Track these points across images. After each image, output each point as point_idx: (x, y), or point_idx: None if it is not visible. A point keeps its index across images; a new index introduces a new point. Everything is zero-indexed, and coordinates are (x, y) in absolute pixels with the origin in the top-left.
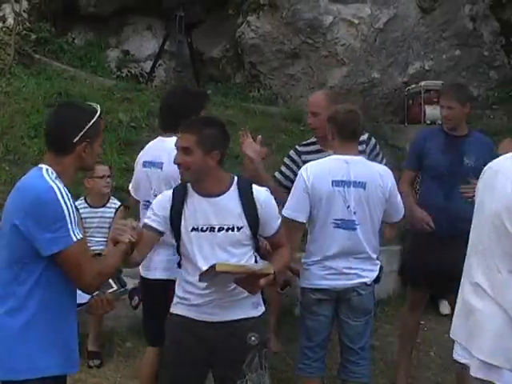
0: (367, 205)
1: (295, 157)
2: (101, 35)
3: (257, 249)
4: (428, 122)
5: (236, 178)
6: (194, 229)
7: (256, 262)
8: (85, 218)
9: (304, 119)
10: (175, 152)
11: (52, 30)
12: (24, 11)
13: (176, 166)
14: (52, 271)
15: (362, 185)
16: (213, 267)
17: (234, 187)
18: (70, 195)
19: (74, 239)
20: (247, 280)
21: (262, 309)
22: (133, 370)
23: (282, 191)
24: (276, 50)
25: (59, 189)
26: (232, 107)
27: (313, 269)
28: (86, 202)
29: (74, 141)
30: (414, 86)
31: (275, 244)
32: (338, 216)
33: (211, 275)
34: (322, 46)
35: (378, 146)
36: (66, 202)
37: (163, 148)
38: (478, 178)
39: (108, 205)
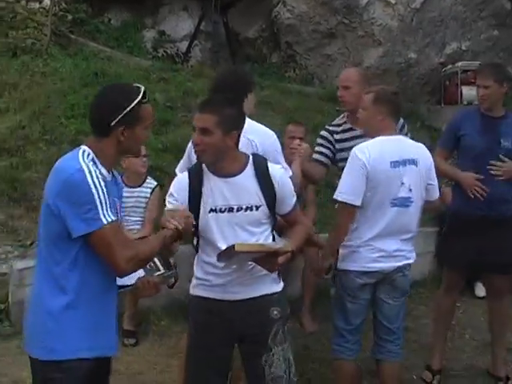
0: (420, 182)
1: (328, 136)
2: (137, 15)
3: (273, 226)
4: (465, 102)
5: (251, 156)
6: (212, 210)
7: (274, 240)
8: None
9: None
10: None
11: (88, 10)
12: None
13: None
14: (88, 253)
15: (414, 162)
16: (232, 247)
17: (250, 166)
18: (102, 177)
19: (105, 222)
20: (266, 258)
21: (282, 284)
22: (168, 349)
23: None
24: (312, 29)
25: (90, 171)
26: (268, 87)
27: (362, 251)
28: (123, 181)
29: (111, 124)
30: (450, 66)
31: (291, 221)
32: (396, 195)
33: (230, 255)
34: (358, 25)
35: (406, 126)
36: (95, 185)
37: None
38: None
39: (144, 185)
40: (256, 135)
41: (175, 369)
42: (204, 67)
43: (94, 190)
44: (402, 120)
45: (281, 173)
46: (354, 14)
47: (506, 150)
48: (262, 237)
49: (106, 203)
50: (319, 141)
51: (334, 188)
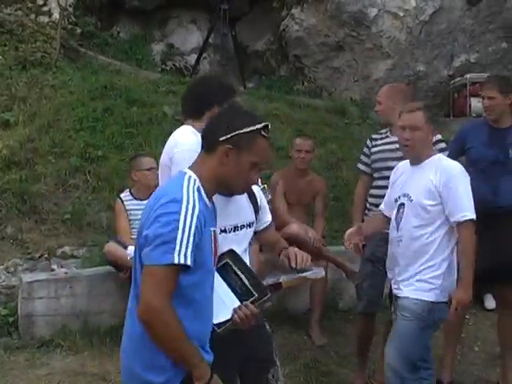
0: None
1: (368, 142)
2: (145, 29)
3: None
4: (474, 115)
5: None
6: (222, 231)
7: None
8: (130, 209)
9: (348, 112)
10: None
11: (97, 23)
12: (69, 5)
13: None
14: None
15: None
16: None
17: None
18: (199, 212)
19: (175, 261)
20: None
21: None
22: None
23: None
24: (320, 42)
25: (187, 206)
26: (276, 100)
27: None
28: (131, 194)
29: (220, 139)
30: (459, 78)
31: (270, 237)
32: None
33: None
34: (366, 38)
35: None
36: (185, 220)
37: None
38: None
39: None
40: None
41: None
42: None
43: (181, 225)
44: None
45: (256, 186)
46: (362, 27)
47: None
48: (247, 252)
49: (188, 242)
50: (364, 150)
51: (340, 200)
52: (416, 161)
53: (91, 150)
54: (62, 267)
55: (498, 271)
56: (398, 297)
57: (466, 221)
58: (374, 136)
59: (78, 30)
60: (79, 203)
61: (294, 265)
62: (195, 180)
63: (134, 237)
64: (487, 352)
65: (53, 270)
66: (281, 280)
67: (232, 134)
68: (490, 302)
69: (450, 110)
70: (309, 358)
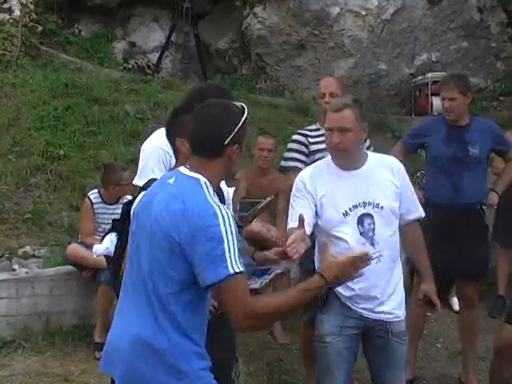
0: None
1: (303, 139)
2: (107, 27)
3: None
4: (435, 113)
5: None
6: None
7: None
8: (97, 213)
9: (311, 110)
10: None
11: (58, 21)
12: (30, 3)
13: None
14: None
15: None
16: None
17: None
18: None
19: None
20: None
21: None
22: None
23: None
24: (283, 41)
25: (221, 211)
26: (238, 99)
27: None
28: (101, 196)
29: (225, 143)
30: (420, 77)
31: None
32: None
33: None
34: (328, 37)
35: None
36: (226, 229)
37: None
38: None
39: (121, 201)
40: None
41: None
42: (174, 78)
43: (223, 234)
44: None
45: (224, 185)
46: (324, 26)
47: (475, 157)
48: None
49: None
50: (295, 146)
51: None
52: (351, 165)
53: (52, 149)
54: (23, 267)
55: (458, 268)
56: (392, 322)
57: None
58: (307, 133)
59: (40, 28)
60: (40, 202)
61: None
62: (210, 185)
63: (97, 237)
64: (449, 349)
65: (14, 269)
66: (257, 286)
67: (233, 134)
68: (457, 305)
69: (412, 108)
70: (272, 357)
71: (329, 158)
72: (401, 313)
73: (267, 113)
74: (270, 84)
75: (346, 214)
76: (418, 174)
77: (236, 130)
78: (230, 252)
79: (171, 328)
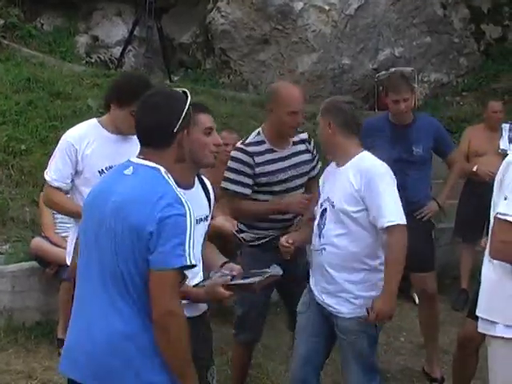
0: None
1: (246, 158)
2: (70, 21)
3: None
4: None
5: None
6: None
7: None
8: None
9: None
10: None
11: (20, 15)
12: None
13: None
14: None
15: None
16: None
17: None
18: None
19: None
20: None
21: None
22: None
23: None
24: (246, 36)
25: (186, 202)
26: (202, 93)
27: None
28: None
29: (175, 130)
30: (384, 72)
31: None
32: None
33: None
34: (292, 32)
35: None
36: (191, 221)
37: None
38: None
39: None
40: None
41: None
42: (137, 73)
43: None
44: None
45: (207, 181)
46: (288, 20)
47: (420, 156)
48: (200, 245)
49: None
50: (236, 166)
51: None
52: (339, 163)
53: (14, 144)
54: None
55: (412, 263)
56: (337, 316)
57: (392, 226)
58: (249, 150)
59: (1, 22)
60: (2, 198)
61: None
62: (169, 175)
63: (58, 231)
64: (413, 342)
65: None
66: (253, 281)
67: (181, 120)
68: None
69: (375, 103)
70: None
71: None
72: (346, 312)
73: (231, 107)
74: (233, 79)
75: (320, 205)
76: None
77: (183, 116)
78: (189, 244)
79: (143, 315)
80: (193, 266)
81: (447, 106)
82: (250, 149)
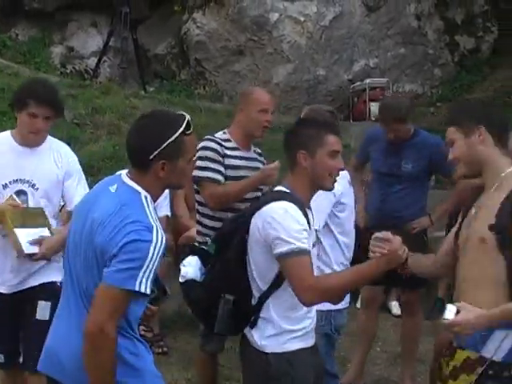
0: None
1: (217, 146)
2: (45, 31)
3: None
4: (373, 118)
5: None
6: None
7: None
8: None
9: None
10: None
11: None
12: None
13: None
14: None
15: None
16: None
17: None
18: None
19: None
20: None
21: None
22: None
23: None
24: (221, 46)
25: (157, 231)
26: (177, 104)
27: None
28: None
29: (150, 158)
30: (358, 83)
31: None
32: None
33: None
34: (267, 43)
35: None
36: (155, 250)
37: None
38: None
39: None
40: None
41: None
42: (113, 84)
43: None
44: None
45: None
46: (263, 31)
47: (407, 172)
48: None
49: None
50: (210, 155)
51: None
52: None
53: None
54: None
55: (395, 277)
56: None
57: None
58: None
59: None
60: None
61: None
62: (150, 200)
63: None
64: (388, 352)
65: None
66: None
67: (158, 151)
68: (396, 309)
69: (350, 113)
70: None
71: None
72: None
73: (205, 118)
74: (208, 89)
75: None
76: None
77: (164, 145)
78: (145, 272)
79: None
80: (142, 295)
81: (422, 116)
82: (219, 140)
